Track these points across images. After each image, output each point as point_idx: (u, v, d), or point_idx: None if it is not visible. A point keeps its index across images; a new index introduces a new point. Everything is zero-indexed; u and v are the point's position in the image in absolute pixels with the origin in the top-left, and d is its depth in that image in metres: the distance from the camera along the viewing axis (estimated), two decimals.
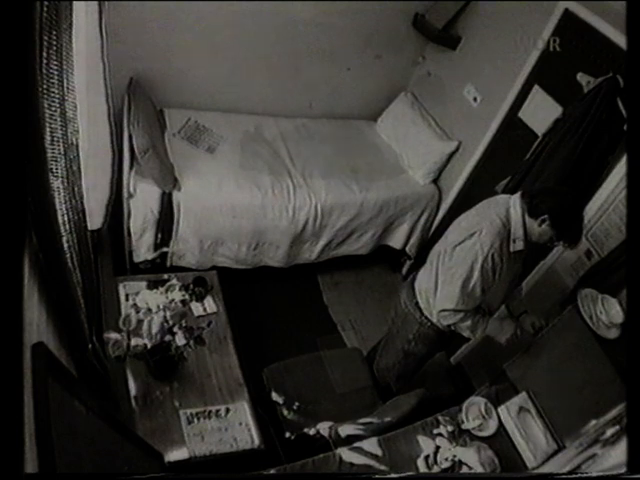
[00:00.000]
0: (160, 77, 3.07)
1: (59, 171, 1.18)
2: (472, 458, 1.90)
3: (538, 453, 1.97)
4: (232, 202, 2.85)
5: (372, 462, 1.90)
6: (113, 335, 1.80)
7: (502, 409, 2.08)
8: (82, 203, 1.52)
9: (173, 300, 2.04)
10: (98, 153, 1.92)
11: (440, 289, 2.07)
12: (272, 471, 1.81)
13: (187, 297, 2.28)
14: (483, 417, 2.06)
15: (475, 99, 3.20)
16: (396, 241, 3.52)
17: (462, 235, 1.98)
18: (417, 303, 2.24)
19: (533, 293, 2.68)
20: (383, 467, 1.89)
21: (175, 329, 1.94)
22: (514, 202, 1.97)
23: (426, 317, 2.22)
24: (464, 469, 1.89)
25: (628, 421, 1.36)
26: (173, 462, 1.87)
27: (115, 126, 1.91)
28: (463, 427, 2.03)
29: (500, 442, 2.02)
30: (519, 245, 1.96)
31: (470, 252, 1.93)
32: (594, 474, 1.43)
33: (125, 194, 2.66)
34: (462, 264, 1.95)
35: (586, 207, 2.46)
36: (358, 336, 3.23)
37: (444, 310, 2.04)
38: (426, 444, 1.97)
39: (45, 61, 0.98)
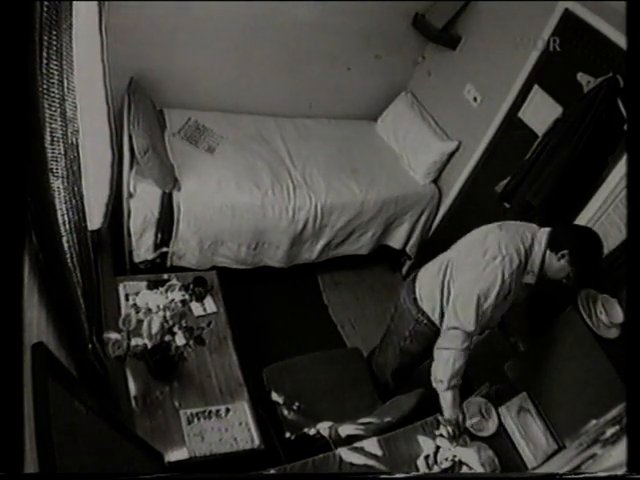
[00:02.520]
0: (160, 77, 3.06)
1: (59, 171, 1.18)
2: (472, 458, 1.90)
3: (538, 453, 1.97)
4: (232, 202, 2.85)
5: (372, 462, 1.90)
6: (113, 335, 1.80)
7: (502, 409, 2.09)
8: (82, 203, 1.52)
9: (173, 300, 2.03)
10: (98, 153, 1.93)
11: (453, 303, 2.02)
12: (272, 471, 1.81)
13: (187, 297, 2.27)
14: (483, 417, 2.06)
15: (475, 99, 3.20)
16: (396, 241, 3.52)
17: (486, 254, 1.94)
18: (415, 299, 2.24)
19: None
20: (383, 467, 1.89)
21: (175, 329, 1.94)
22: (541, 236, 1.97)
23: (422, 314, 2.22)
24: (464, 469, 1.88)
25: (628, 421, 1.36)
26: (173, 462, 1.87)
27: (115, 126, 1.91)
28: None
29: (500, 442, 2.02)
30: (530, 279, 1.98)
31: (491, 274, 1.91)
32: (594, 474, 1.43)
33: (125, 194, 2.66)
34: (481, 283, 1.93)
35: (586, 208, 2.48)
36: (358, 336, 3.22)
37: (454, 328, 1.97)
38: (426, 444, 1.97)
39: (45, 61, 0.98)
